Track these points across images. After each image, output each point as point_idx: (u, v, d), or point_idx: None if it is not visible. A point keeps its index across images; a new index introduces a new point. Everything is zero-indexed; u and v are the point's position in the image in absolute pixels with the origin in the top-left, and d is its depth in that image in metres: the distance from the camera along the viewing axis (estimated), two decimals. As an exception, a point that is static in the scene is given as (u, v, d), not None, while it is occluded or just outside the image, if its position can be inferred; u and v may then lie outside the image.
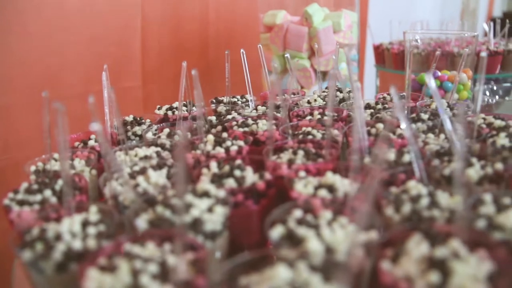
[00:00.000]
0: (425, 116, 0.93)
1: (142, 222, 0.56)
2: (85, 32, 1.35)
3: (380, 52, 2.09)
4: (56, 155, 0.82)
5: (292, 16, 1.56)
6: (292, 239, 0.51)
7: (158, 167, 0.74)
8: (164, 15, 1.56)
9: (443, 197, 0.60)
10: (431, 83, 0.70)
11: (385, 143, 0.77)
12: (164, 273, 0.46)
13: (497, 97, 1.69)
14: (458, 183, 0.52)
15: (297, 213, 0.56)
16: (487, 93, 1.71)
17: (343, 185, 0.64)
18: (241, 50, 1.03)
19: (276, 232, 0.52)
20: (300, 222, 0.54)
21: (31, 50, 1.25)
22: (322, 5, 1.54)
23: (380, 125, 0.88)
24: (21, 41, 1.22)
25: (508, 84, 1.89)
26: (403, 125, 0.65)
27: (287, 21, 1.52)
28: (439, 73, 1.43)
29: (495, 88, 1.72)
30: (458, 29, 2.42)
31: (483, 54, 0.75)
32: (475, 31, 3.13)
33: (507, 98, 1.84)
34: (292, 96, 1.16)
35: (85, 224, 0.57)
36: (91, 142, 0.92)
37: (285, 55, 1.02)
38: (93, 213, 0.61)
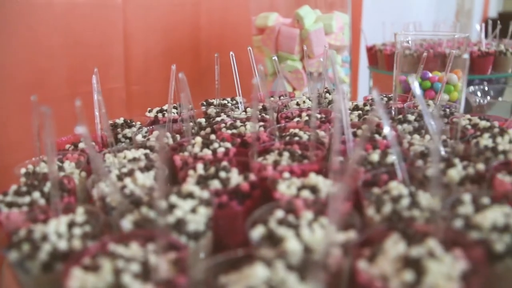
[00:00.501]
0: (411, 117, 0.94)
1: (127, 223, 0.57)
2: (71, 35, 1.37)
3: (373, 54, 2.10)
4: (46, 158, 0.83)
5: (284, 18, 1.57)
6: (272, 239, 0.52)
7: (146, 169, 0.75)
8: (149, 20, 1.59)
9: (424, 198, 0.61)
10: (414, 85, 0.72)
11: (365, 144, 0.78)
12: (145, 272, 0.47)
13: (488, 97, 1.70)
14: (434, 183, 0.53)
15: (279, 213, 0.57)
16: (479, 93, 1.72)
17: (326, 185, 0.65)
18: (231, 53, 1.04)
19: (257, 232, 0.53)
20: (281, 222, 0.55)
21: (20, 53, 1.26)
22: (314, 7, 1.55)
23: (371, 127, 0.89)
24: (10, 44, 1.24)
25: (500, 85, 1.90)
26: (386, 128, 0.66)
27: (279, 23, 1.53)
28: (430, 74, 1.44)
29: (486, 88, 1.73)
30: (452, 30, 2.43)
31: (466, 56, 0.76)
32: (470, 32, 3.14)
33: (500, 99, 1.85)
34: (282, 98, 1.17)
35: (71, 225, 0.58)
36: (82, 145, 0.93)
37: (273, 58, 1.03)
38: (79, 214, 0.62)
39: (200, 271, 0.47)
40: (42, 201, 0.69)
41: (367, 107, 1.06)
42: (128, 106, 1.57)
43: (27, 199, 0.68)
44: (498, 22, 2.01)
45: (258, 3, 1.62)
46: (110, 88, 1.50)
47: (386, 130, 0.66)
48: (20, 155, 0.86)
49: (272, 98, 1.16)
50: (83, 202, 0.80)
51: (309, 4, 1.52)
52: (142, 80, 1.59)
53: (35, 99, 0.74)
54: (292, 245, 0.50)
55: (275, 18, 1.55)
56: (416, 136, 0.86)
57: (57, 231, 0.56)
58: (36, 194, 0.69)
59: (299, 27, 1.49)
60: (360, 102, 1.12)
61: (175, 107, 1.08)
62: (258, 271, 0.44)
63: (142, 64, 1.59)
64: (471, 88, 1.68)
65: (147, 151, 0.85)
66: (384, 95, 1.16)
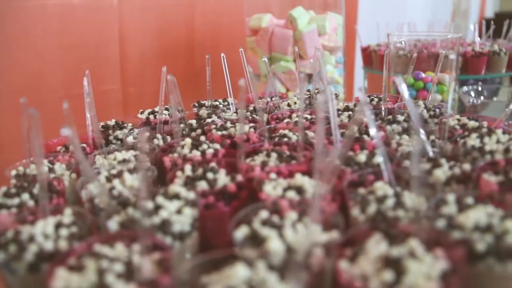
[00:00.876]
0: (401, 118, 0.95)
1: (113, 224, 0.58)
2: (65, 37, 1.37)
3: (367, 54, 2.11)
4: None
5: (277, 20, 1.57)
6: (255, 239, 0.52)
7: (136, 170, 0.75)
8: (145, 21, 1.59)
9: (409, 198, 0.61)
10: (402, 86, 0.72)
11: (352, 144, 0.79)
12: (129, 272, 0.48)
13: (482, 98, 1.71)
14: (416, 183, 0.53)
15: (263, 214, 0.57)
16: (472, 94, 1.72)
17: (312, 186, 0.65)
18: (222, 54, 1.05)
19: (241, 232, 0.54)
20: (265, 222, 0.55)
21: (15, 55, 1.27)
22: (307, 8, 1.55)
23: (355, 127, 0.89)
24: (5, 46, 1.24)
25: (494, 85, 1.91)
26: (372, 129, 0.67)
27: (273, 24, 1.54)
28: (423, 75, 1.45)
29: (480, 89, 1.74)
30: (447, 30, 2.44)
31: (452, 56, 0.77)
32: (466, 32, 3.15)
33: (494, 99, 1.86)
34: (274, 98, 1.17)
35: (58, 226, 0.59)
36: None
37: (263, 59, 1.03)
38: (67, 215, 0.62)
39: (183, 271, 0.47)
40: (31, 203, 0.69)
41: (358, 108, 1.07)
42: (125, 107, 1.58)
43: (16, 200, 0.69)
44: (492, 22, 2.01)
45: (252, 4, 1.62)
46: (106, 90, 1.51)
47: (372, 131, 0.67)
48: (15, 157, 0.87)
49: (262, 99, 1.16)
50: (73, 203, 0.81)
51: (303, 5, 1.52)
52: (138, 81, 1.60)
53: (25, 101, 0.74)
54: (275, 245, 0.50)
55: (268, 19, 1.55)
56: (405, 137, 0.86)
57: (44, 232, 0.57)
58: (25, 196, 0.69)
59: (292, 28, 1.49)
60: (350, 102, 1.13)
61: (167, 109, 1.09)
62: (239, 271, 0.45)
63: (138, 65, 1.60)
64: (465, 88, 1.69)
65: (138, 152, 0.86)
66: (375, 96, 1.17)
